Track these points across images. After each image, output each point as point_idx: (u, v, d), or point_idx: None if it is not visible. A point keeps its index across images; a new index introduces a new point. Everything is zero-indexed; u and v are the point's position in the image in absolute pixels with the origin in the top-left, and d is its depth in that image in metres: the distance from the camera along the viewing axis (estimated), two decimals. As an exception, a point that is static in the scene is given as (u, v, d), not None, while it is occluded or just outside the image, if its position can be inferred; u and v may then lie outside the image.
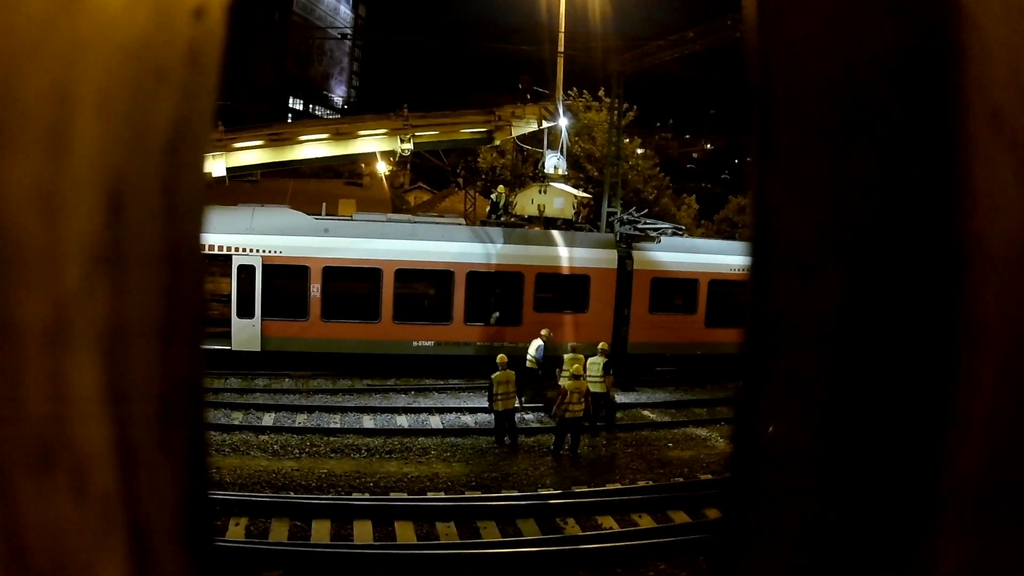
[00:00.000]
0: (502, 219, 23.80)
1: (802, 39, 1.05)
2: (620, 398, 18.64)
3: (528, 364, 18.03)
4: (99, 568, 0.80)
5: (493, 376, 15.03)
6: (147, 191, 0.86)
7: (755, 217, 1.18)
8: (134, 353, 0.84)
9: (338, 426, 15.87)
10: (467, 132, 23.97)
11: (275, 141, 21.08)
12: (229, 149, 20.06)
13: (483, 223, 24.11)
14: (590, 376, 16.28)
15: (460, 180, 40.38)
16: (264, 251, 19.38)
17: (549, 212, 23.20)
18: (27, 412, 0.74)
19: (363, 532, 10.81)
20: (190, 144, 0.93)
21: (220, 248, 18.87)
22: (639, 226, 23.40)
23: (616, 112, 26.70)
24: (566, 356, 17.35)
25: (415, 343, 20.69)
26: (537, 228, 22.95)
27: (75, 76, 0.76)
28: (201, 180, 1.00)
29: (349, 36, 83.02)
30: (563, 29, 27.20)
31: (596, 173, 33.67)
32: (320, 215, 21.19)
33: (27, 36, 0.72)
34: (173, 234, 0.91)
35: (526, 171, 32.93)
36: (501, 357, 15.65)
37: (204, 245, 1.08)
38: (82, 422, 0.78)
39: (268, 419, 16.07)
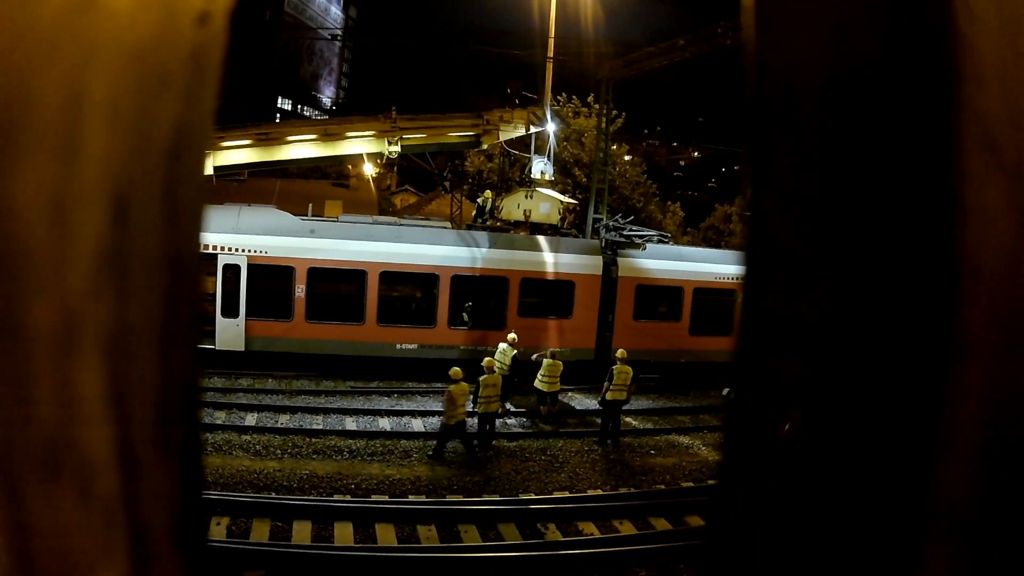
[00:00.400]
0: (488, 223, 23.80)
1: (800, 50, 1.07)
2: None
3: (499, 370, 16.74)
4: (102, 571, 0.81)
5: (481, 379, 15.02)
6: (150, 195, 0.86)
7: (748, 224, 1.20)
8: (136, 356, 0.85)
9: (321, 427, 15.83)
10: (455, 135, 23.93)
11: (263, 141, 20.97)
12: (216, 148, 19.94)
13: (469, 227, 24.11)
14: (620, 385, 16.24)
15: (447, 183, 40.36)
16: (250, 251, 19.29)
17: (535, 217, 23.20)
18: (37, 416, 0.75)
19: (344, 534, 10.80)
20: (191, 148, 0.94)
21: (206, 247, 18.73)
22: (625, 233, 23.43)
23: (604, 118, 26.75)
24: (545, 361, 17.32)
25: (399, 346, 20.66)
26: (523, 233, 22.94)
27: (87, 80, 0.77)
28: (201, 184, 1.00)
29: (339, 37, 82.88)
30: (553, 34, 27.20)
31: (584, 179, 33.71)
32: (306, 216, 21.12)
33: (42, 38, 0.73)
34: (174, 237, 0.91)
35: (513, 176, 32.94)
36: (488, 360, 15.59)
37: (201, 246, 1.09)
38: (88, 425, 0.79)
39: (251, 419, 16.01)
